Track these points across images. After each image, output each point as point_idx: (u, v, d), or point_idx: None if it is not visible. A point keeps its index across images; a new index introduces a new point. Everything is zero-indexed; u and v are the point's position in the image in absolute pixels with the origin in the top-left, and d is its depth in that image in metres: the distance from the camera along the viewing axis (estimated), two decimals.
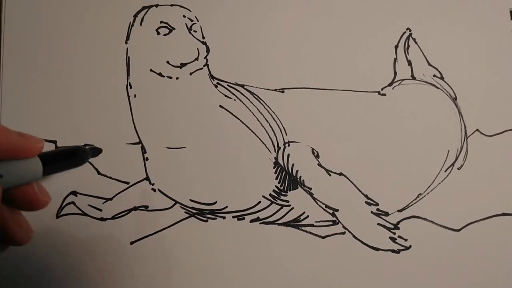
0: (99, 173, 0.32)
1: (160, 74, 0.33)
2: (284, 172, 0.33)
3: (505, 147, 0.34)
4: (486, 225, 0.34)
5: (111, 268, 0.32)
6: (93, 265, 0.32)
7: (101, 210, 0.32)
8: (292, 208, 0.33)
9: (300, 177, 0.33)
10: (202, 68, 0.34)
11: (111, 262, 0.32)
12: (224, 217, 0.33)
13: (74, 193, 0.32)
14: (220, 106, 0.34)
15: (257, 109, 0.34)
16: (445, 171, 0.34)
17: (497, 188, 0.34)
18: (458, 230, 0.33)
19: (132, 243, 0.32)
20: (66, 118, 0.33)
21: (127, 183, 0.32)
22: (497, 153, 0.34)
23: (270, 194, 0.33)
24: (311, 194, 0.33)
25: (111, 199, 0.32)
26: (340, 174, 0.33)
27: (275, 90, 0.34)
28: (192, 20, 0.34)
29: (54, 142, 0.33)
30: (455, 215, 0.34)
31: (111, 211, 0.32)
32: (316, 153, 0.34)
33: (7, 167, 0.22)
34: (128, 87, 0.33)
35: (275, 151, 0.33)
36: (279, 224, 0.33)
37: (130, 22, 0.34)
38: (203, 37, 0.34)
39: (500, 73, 0.35)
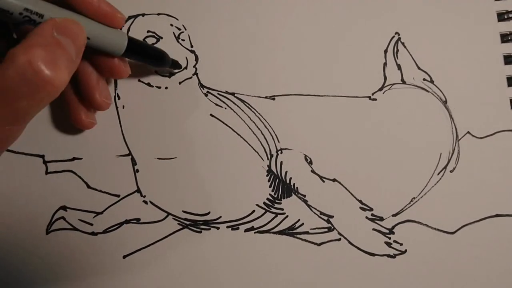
0: (88, 186, 0.32)
1: (148, 84, 0.33)
2: (277, 180, 0.33)
3: (496, 149, 0.34)
4: (480, 227, 0.34)
5: (104, 283, 0.31)
6: (85, 280, 0.31)
7: (92, 225, 0.31)
8: (287, 216, 0.33)
9: (294, 184, 0.33)
10: (191, 77, 0.33)
11: (104, 277, 0.31)
12: (218, 228, 0.32)
13: (64, 207, 0.31)
14: (211, 115, 0.33)
15: (248, 117, 0.33)
16: (438, 174, 0.34)
17: (490, 189, 0.34)
18: (453, 233, 0.33)
19: (124, 257, 0.31)
20: (53, 131, 0.32)
21: (118, 196, 0.32)
22: (488, 155, 0.34)
23: (264, 203, 0.33)
24: (305, 201, 0.33)
25: (101, 212, 0.32)
26: (334, 180, 0.33)
27: (266, 97, 0.34)
28: (179, 29, 0.34)
29: (42, 156, 0.32)
30: (449, 218, 0.34)
31: (102, 225, 0.31)
32: (309, 160, 0.33)
33: (95, 29, 0.25)
34: (116, 98, 0.33)
35: (267, 159, 0.33)
36: (274, 233, 0.33)
37: None
38: (192, 46, 0.34)
39: (489, 75, 0.35)
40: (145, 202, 0.32)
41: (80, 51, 0.24)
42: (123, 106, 0.32)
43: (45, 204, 0.31)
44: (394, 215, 0.33)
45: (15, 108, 0.21)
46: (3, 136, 0.22)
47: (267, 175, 0.33)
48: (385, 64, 0.35)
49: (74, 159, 0.32)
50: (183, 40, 0.34)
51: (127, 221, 0.32)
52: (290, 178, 0.33)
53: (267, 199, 0.33)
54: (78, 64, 0.24)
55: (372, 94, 0.34)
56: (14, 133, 0.23)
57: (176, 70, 0.33)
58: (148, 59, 0.31)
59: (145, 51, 0.30)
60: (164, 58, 0.31)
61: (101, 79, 0.30)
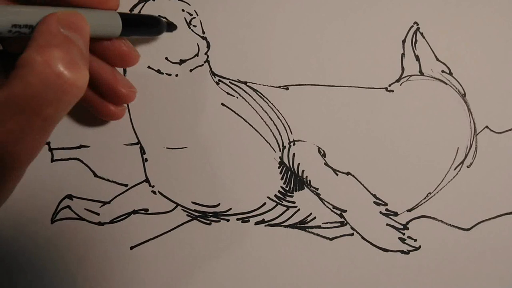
0: (95, 175, 0.31)
1: (158, 71, 0.32)
2: (289, 172, 0.32)
3: None
4: (496, 224, 0.33)
5: (110, 275, 0.30)
6: (91, 271, 0.30)
7: (98, 214, 0.31)
8: (299, 210, 0.32)
9: (306, 177, 0.32)
10: (202, 65, 0.32)
11: (110, 268, 0.30)
12: (228, 220, 0.31)
13: (70, 196, 0.30)
14: (222, 104, 0.32)
15: (261, 106, 0.32)
16: (455, 169, 0.33)
17: (508, 185, 0.33)
18: (468, 230, 0.33)
19: (131, 248, 0.31)
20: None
21: (126, 185, 0.31)
22: (507, 150, 0.33)
23: (275, 195, 0.32)
24: (318, 195, 0.32)
25: (109, 202, 0.31)
26: (348, 173, 0.32)
27: (279, 87, 0.33)
28: (191, 15, 0.32)
29: (47, 143, 0.31)
30: (465, 214, 0.33)
31: (109, 215, 0.31)
32: (322, 152, 0.32)
33: (88, 15, 0.23)
34: None
35: (279, 151, 0.32)
36: (285, 226, 0.32)
37: None
38: (203, 32, 0.32)
39: (509, 68, 0.34)
40: (154, 192, 0.31)
41: (87, 44, 0.23)
42: None
43: (50, 193, 0.30)
44: (408, 211, 0.32)
45: (42, 116, 0.20)
46: (33, 147, 0.21)
47: (279, 167, 0.32)
48: (403, 54, 0.33)
49: (81, 146, 0.31)
50: (195, 26, 0.32)
51: (135, 212, 0.31)
52: (303, 171, 0.32)
53: (279, 191, 0.32)
54: (89, 59, 0.23)
55: (389, 86, 0.33)
56: (42, 142, 0.21)
57: (188, 57, 0.32)
58: (145, 30, 0.29)
59: (140, 22, 0.28)
60: (159, 23, 0.29)
61: (115, 70, 0.28)
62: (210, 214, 0.31)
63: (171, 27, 0.31)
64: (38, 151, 0.22)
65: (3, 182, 0.21)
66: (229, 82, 0.32)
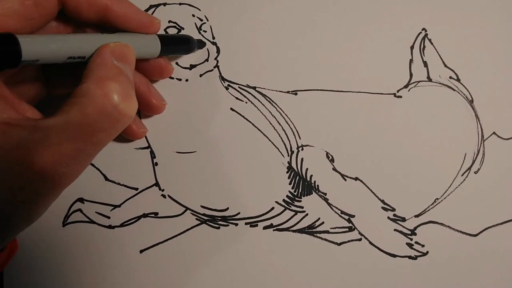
0: (106, 179, 0.31)
1: (169, 77, 0.32)
2: (297, 177, 0.32)
3: None
4: (503, 230, 0.33)
5: (120, 278, 0.30)
6: (101, 274, 0.30)
7: (109, 218, 0.31)
8: (307, 214, 0.32)
9: (315, 182, 0.32)
10: (212, 70, 0.33)
11: (120, 271, 0.31)
12: (236, 224, 0.32)
13: (81, 200, 0.31)
14: (231, 109, 0.32)
15: (270, 111, 0.33)
16: (462, 175, 0.33)
17: None
18: (476, 235, 0.33)
19: (141, 251, 0.31)
20: None
21: (136, 189, 0.31)
22: None
23: (283, 200, 0.32)
24: (326, 200, 0.32)
25: (119, 206, 0.31)
26: (356, 178, 0.32)
27: (288, 92, 0.33)
28: (201, 20, 0.33)
29: None
30: (472, 220, 0.33)
31: (119, 219, 0.31)
32: (330, 157, 0.33)
33: (133, 40, 0.26)
34: None
35: (288, 155, 0.32)
36: (293, 231, 0.32)
37: None
38: (213, 37, 0.33)
39: None
40: (163, 196, 0.31)
41: (133, 71, 0.24)
42: None
43: (62, 196, 0.30)
44: (416, 216, 0.33)
45: (94, 141, 0.22)
46: (79, 170, 0.22)
47: (287, 172, 0.32)
48: (411, 60, 0.34)
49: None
50: (205, 31, 0.33)
51: (144, 215, 0.31)
52: (311, 176, 0.32)
53: (287, 196, 0.32)
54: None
55: (397, 91, 0.33)
56: (87, 165, 0.23)
57: (198, 62, 0.32)
58: (179, 49, 0.30)
59: (175, 44, 0.30)
60: (190, 43, 0.30)
61: (150, 84, 0.30)
62: (219, 218, 0.32)
63: (201, 44, 0.32)
64: (80, 174, 0.23)
65: (47, 200, 0.23)
66: (238, 87, 0.33)
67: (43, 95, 0.27)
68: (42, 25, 0.24)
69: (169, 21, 0.33)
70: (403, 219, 0.32)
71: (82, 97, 0.21)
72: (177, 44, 0.30)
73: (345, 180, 0.32)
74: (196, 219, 0.31)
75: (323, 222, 0.32)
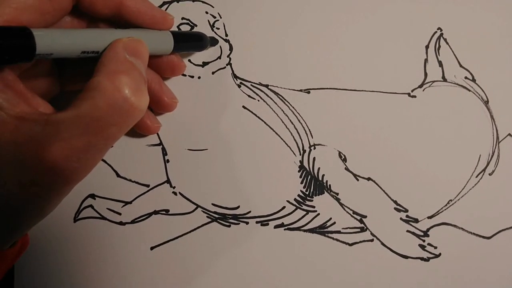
0: (118, 175, 0.31)
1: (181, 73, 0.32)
2: (309, 176, 0.32)
3: None
4: None
5: (130, 274, 0.30)
6: (111, 270, 0.30)
7: (120, 214, 0.31)
8: (318, 214, 0.32)
9: (327, 181, 0.32)
10: (225, 67, 0.32)
11: (130, 267, 0.30)
12: (247, 222, 0.32)
13: (93, 196, 0.31)
14: (243, 106, 0.32)
15: (282, 110, 0.32)
16: (476, 176, 0.33)
17: None
18: (489, 238, 0.32)
19: (152, 248, 0.31)
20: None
21: (147, 186, 0.31)
22: None
23: (295, 199, 0.32)
24: (338, 200, 0.32)
25: (130, 202, 0.31)
26: (368, 179, 0.32)
27: (301, 90, 0.33)
28: (215, 17, 0.33)
29: None
30: (486, 222, 0.32)
31: (130, 215, 0.31)
32: (343, 157, 0.32)
33: (146, 36, 0.25)
34: None
35: (300, 154, 0.32)
36: (304, 231, 0.32)
37: None
38: (226, 35, 0.33)
39: None
40: (175, 193, 0.31)
41: (146, 66, 0.24)
42: None
43: (74, 192, 0.30)
44: (429, 217, 0.32)
45: (105, 135, 0.21)
46: (91, 164, 0.22)
47: (299, 171, 0.32)
48: (426, 60, 0.33)
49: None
50: (218, 28, 0.33)
51: (155, 212, 0.31)
52: (323, 175, 0.32)
53: (298, 195, 0.32)
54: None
55: (412, 91, 0.33)
56: (98, 160, 0.23)
57: (210, 60, 0.32)
58: (192, 46, 0.30)
59: (188, 41, 0.30)
60: (203, 40, 0.30)
61: (162, 81, 0.30)
62: (230, 216, 0.31)
63: (213, 42, 0.32)
64: (92, 169, 0.23)
65: (58, 195, 0.23)
66: (251, 85, 0.33)
67: (56, 91, 0.27)
68: (56, 20, 0.24)
69: (182, 18, 0.32)
70: (416, 220, 0.32)
71: (93, 91, 0.21)
72: (190, 41, 0.30)
73: (358, 180, 0.32)
74: (207, 217, 0.31)
75: (334, 222, 0.32)
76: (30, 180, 0.21)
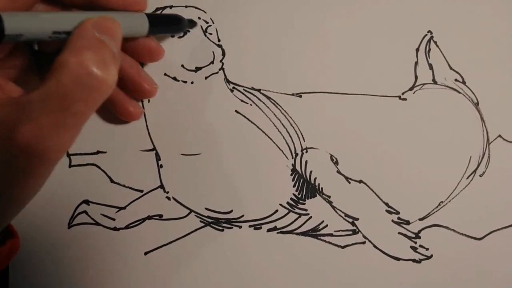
0: (112, 181, 0.31)
1: (174, 78, 0.32)
2: (302, 180, 0.32)
3: None
4: (508, 233, 0.33)
5: (124, 279, 0.31)
6: (106, 276, 0.31)
7: (114, 220, 0.31)
8: (311, 217, 0.32)
9: (319, 184, 0.32)
10: (217, 72, 0.33)
11: (124, 273, 0.31)
12: (240, 226, 0.32)
13: (87, 201, 0.31)
14: (236, 111, 0.33)
15: (274, 114, 0.33)
16: (467, 178, 0.33)
17: None
18: (480, 239, 0.33)
19: (146, 253, 0.31)
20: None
21: (141, 191, 0.31)
22: None
23: (287, 203, 0.32)
24: (330, 203, 0.32)
25: (124, 208, 0.31)
26: (360, 181, 0.32)
27: (293, 94, 0.33)
28: (207, 22, 0.33)
29: None
30: (477, 223, 0.33)
31: (124, 221, 0.31)
32: (335, 160, 0.33)
33: (118, 18, 0.25)
34: None
35: (292, 158, 0.32)
36: (297, 234, 0.32)
37: None
38: (219, 40, 0.33)
39: None
40: (168, 198, 0.31)
41: (119, 46, 0.24)
42: (149, 100, 0.32)
43: (68, 198, 0.31)
44: (421, 219, 0.32)
45: (73, 112, 0.21)
46: (63, 143, 0.22)
47: (291, 174, 0.32)
48: (416, 63, 0.34)
49: (98, 152, 0.31)
50: (211, 34, 0.33)
51: (149, 217, 0.31)
52: (315, 178, 0.32)
53: (291, 198, 0.32)
54: (120, 59, 0.24)
55: (402, 94, 0.33)
56: (71, 140, 0.23)
57: (203, 65, 0.32)
58: (168, 29, 0.31)
59: (164, 23, 0.30)
60: (181, 22, 0.31)
61: (139, 67, 0.30)
62: (223, 221, 0.32)
63: (191, 24, 0.32)
64: (67, 148, 0.23)
65: (32, 177, 0.22)
66: (243, 89, 0.33)
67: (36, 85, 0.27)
68: (28, 8, 0.24)
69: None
70: (408, 222, 0.32)
71: (58, 68, 0.21)
72: (166, 22, 0.30)
73: (349, 182, 0.32)
74: (200, 221, 0.32)
75: (327, 225, 0.32)
76: (4, 164, 0.21)
